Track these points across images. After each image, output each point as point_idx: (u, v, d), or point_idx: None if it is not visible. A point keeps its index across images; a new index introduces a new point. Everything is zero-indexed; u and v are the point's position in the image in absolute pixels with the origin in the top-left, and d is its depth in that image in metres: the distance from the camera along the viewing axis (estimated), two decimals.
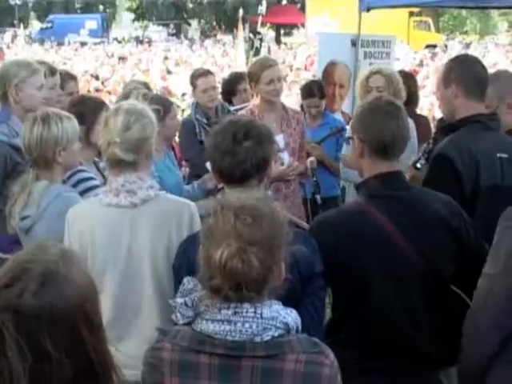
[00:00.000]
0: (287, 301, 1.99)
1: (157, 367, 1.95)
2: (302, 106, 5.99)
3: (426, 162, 3.98)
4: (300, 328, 1.98)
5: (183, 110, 10.63)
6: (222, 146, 2.52)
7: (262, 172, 2.56)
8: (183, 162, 5.46)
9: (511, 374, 2.46)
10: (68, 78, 5.01)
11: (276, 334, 1.88)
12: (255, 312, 1.87)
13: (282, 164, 4.68)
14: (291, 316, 1.94)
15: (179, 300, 1.99)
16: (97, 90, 13.45)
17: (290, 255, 1.97)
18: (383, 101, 2.87)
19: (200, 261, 1.93)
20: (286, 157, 4.76)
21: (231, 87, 6.28)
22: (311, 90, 5.75)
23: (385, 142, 2.76)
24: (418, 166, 3.94)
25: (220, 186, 3.73)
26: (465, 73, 3.49)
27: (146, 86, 5.34)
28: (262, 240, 1.87)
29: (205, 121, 5.39)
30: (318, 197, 4.56)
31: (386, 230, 2.71)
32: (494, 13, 44.42)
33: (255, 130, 2.55)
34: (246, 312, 1.87)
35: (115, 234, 2.84)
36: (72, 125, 3.31)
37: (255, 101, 5.01)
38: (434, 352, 2.79)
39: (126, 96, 4.40)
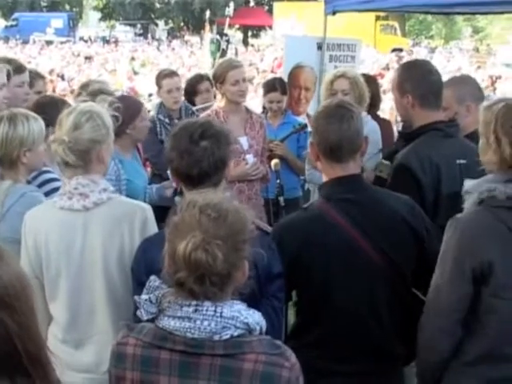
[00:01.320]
0: (245, 302, 2.01)
1: (121, 361, 1.98)
2: (263, 108, 6.03)
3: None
4: (264, 330, 2.00)
5: (149, 111, 10.57)
6: (180, 146, 2.55)
7: (220, 172, 2.57)
8: (147, 162, 5.46)
9: (465, 377, 2.53)
10: (37, 76, 4.99)
11: (235, 334, 1.90)
12: (215, 311, 1.89)
13: (247, 164, 4.70)
14: (253, 317, 1.96)
15: (144, 296, 2.02)
16: (63, 91, 13.30)
17: (252, 255, 1.99)
18: (333, 104, 2.89)
19: (165, 256, 1.95)
20: (250, 158, 4.78)
21: (193, 87, 6.29)
22: (273, 85, 5.83)
23: (331, 145, 2.78)
24: (378, 173, 3.97)
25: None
26: (419, 83, 3.52)
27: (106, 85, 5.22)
28: (227, 234, 1.89)
29: (167, 121, 5.41)
30: (281, 198, 4.58)
31: (347, 232, 2.73)
32: (459, 18, 44.99)
33: (212, 129, 2.57)
34: (207, 310, 1.89)
35: (68, 237, 2.83)
36: (38, 126, 3.29)
37: (220, 102, 5.02)
38: (398, 351, 2.84)
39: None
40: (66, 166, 2.86)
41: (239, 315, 1.92)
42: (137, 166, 4.40)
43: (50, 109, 3.78)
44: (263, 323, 1.99)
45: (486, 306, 2.50)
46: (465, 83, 4.06)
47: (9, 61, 4.65)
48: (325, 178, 2.90)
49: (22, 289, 1.55)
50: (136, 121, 4.15)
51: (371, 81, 5.62)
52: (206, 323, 1.88)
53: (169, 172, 4.23)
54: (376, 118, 5.31)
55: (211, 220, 1.90)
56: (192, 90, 6.26)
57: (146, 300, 2.00)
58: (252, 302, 2.07)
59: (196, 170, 2.52)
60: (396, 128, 6.70)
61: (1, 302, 1.49)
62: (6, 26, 49.21)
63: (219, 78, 4.82)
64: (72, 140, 2.80)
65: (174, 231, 1.94)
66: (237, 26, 49.17)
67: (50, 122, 3.45)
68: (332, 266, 2.72)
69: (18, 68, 4.43)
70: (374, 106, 5.52)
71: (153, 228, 2.86)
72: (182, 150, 2.53)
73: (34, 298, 1.59)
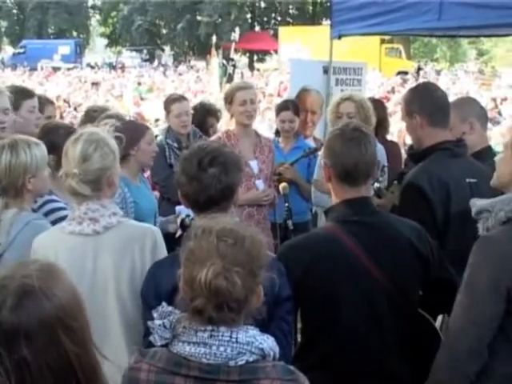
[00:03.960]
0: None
1: None
2: (276, 131, 6.03)
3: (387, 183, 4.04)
4: (277, 355, 1.98)
5: (156, 136, 10.61)
6: (189, 172, 2.57)
7: (228, 199, 2.59)
8: (156, 186, 5.47)
9: None
10: (46, 102, 5.08)
11: (251, 359, 1.89)
12: (231, 336, 1.88)
13: (257, 190, 4.72)
14: (268, 342, 1.95)
15: (157, 322, 2.00)
16: (75, 118, 13.32)
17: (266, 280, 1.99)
18: (350, 127, 2.90)
19: (181, 283, 1.94)
20: (260, 184, 4.80)
21: (201, 124, 6.23)
22: (285, 105, 5.84)
23: (347, 168, 2.79)
24: (375, 189, 3.97)
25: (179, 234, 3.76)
26: (426, 102, 3.54)
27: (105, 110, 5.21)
28: (245, 261, 1.90)
29: (175, 145, 5.40)
30: (289, 222, 4.57)
31: (355, 254, 2.73)
32: (464, 41, 45.12)
33: (222, 157, 2.58)
34: (222, 335, 1.88)
35: (79, 261, 2.84)
36: (41, 151, 3.28)
37: (231, 125, 5.06)
38: (402, 375, 2.82)
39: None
40: (78, 196, 2.88)
41: (254, 341, 1.91)
42: (144, 190, 4.40)
43: (52, 135, 3.80)
44: (276, 349, 1.98)
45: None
46: (466, 103, 4.11)
47: (17, 88, 4.70)
48: (334, 200, 2.90)
49: (77, 306, 1.60)
50: (140, 142, 4.15)
51: (379, 104, 5.63)
52: (221, 349, 1.87)
53: (177, 208, 4.26)
54: (383, 141, 5.31)
55: (229, 247, 1.91)
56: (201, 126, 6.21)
57: (159, 325, 1.98)
58: (260, 325, 2.07)
59: (203, 197, 2.55)
60: (404, 151, 6.70)
61: (59, 322, 1.53)
62: (14, 54, 49.74)
63: (227, 99, 4.90)
64: (82, 172, 2.83)
65: (191, 257, 1.93)
66: (241, 51, 49.42)
67: (53, 148, 3.46)
68: (338, 287, 2.73)
69: (28, 93, 4.48)
70: (383, 129, 5.53)
71: (163, 250, 2.89)
72: (191, 176, 2.56)
73: (87, 313, 1.64)
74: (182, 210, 4.06)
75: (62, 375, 1.53)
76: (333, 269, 2.72)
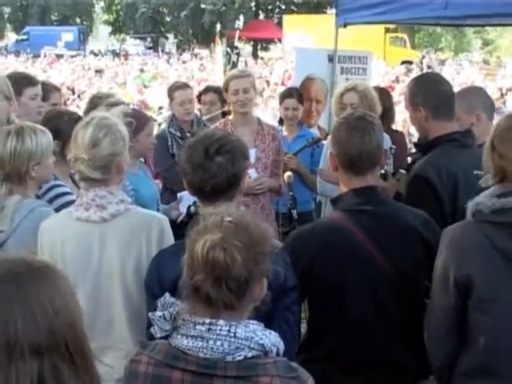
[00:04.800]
0: (258, 317, 1.98)
1: (133, 379, 1.94)
2: (280, 119, 6.02)
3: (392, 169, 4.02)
4: (281, 351, 1.95)
5: (160, 124, 10.59)
6: (194, 160, 2.53)
7: (234, 187, 2.56)
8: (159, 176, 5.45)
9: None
10: (52, 89, 5.05)
11: (249, 355, 1.85)
12: (229, 330, 1.85)
13: (249, 178, 4.70)
14: (270, 338, 1.91)
15: (158, 313, 1.98)
16: (78, 107, 13.32)
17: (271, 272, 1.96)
18: (355, 116, 2.89)
19: (184, 264, 1.92)
20: (253, 173, 4.77)
21: (197, 98, 6.32)
22: (289, 92, 5.84)
23: (352, 157, 2.79)
24: (383, 171, 3.96)
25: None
26: (430, 95, 3.51)
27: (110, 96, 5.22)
28: (247, 242, 1.87)
29: (178, 134, 5.39)
30: (294, 212, 4.56)
31: (362, 244, 2.73)
32: (469, 30, 44.96)
33: (229, 145, 2.55)
34: (220, 330, 1.85)
35: (85, 248, 2.83)
36: (46, 138, 3.27)
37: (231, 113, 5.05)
38: (409, 365, 2.83)
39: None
40: (86, 180, 2.86)
41: (254, 336, 1.87)
42: (143, 177, 4.38)
43: (56, 121, 3.78)
44: (280, 345, 1.95)
45: (473, 319, 2.52)
46: (473, 93, 4.05)
47: (21, 74, 4.68)
48: (342, 189, 2.89)
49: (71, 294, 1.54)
50: (140, 135, 4.10)
51: (384, 94, 5.61)
52: (218, 343, 1.84)
53: (178, 195, 4.25)
54: (389, 130, 5.29)
55: (232, 225, 1.89)
56: (197, 100, 6.29)
57: (160, 317, 1.96)
58: (264, 315, 2.05)
59: (209, 186, 2.51)
60: (409, 140, 6.67)
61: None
62: (17, 40, 49.64)
63: (224, 87, 4.95)
64: (92, 157, 2.80)
65: (193, 237, 1.91)
66: (246, 39, 49.29)
67: (56, 134, 3.45)
68: (345, 277, 2.72)
69: (31, 81, 4.45)
70: (389, 118, 5.51)
71: (169, 238, 2.87)
72: (197, 164, 2.52)
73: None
74: (184, 196, 4.05)
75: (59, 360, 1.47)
76: (339, 258, 2.72)
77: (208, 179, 2.50)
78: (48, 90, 4.76)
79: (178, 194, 4.25)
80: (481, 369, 2.50)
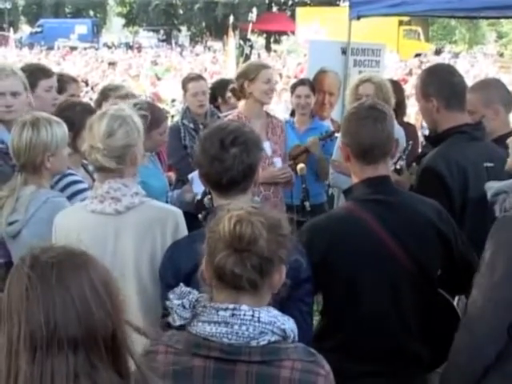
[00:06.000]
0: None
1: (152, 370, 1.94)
2: (291, 112, 6.01)
3: (406, 163, 4.00)
4: (296, 337, 1.96)
5: (172, 116, 10.61)
6: (210, 152, 2.51)
7: (249, 179, 2.56)
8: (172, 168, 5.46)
9: None
10: (70, 80, 5.09)
11: (272, 339, 1.87)
12: (253, 315, 1.86)
13: (275, 168, 4.70)
14: (288, 323, 1.93)
15: (176, 302, 1.97)
16: (90, 99, 13.37)
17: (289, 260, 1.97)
18: (365, 105, 2.87)
19: (202, 253, 1.93)
20: (278, 161, 4.78)
21: (217, 94, 6.29)
22: (301, 81, 5.85)
23: (363, 146, 2.77)
24: (398, 167, 3.95)
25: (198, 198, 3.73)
26: (442, 86, 3.49)
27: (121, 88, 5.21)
28: (269, 222, 1.88)
29: (191, 126, 5.39)
30: (307, 204, 4.56)
31: (376, 233, 2.72)
32: (483, 23, 44.66)
33: (243, 136, 2.54)
34: (244, 315, 1.85)
35: (100, 240, 2.82)
36: (61, 130, 3.29)
37: (241, 106, 4.99)
38: (422, 356, 2.82)
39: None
40: (101, 171, 2.87)
41: (276, 321, 1.88)
42: (153, 170, 4.39)
43: (69, 112, 3.79)
44: (296, 331, 1.96)
45: None
46: (493, 86, 3.99)
47: (35, 66, 4.70)
48: (354, 179, 2.89)
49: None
50: (153, 132, 4.08)
51: (396, 86, 5.59)
52: (244, 328, 1.84)
53: (189, 176, 4.24)
54: (401, 123, 5.28)
55: (253, 208, 1.92)
56: (217, 96, 6.26)
57: (178, 305, 1.95)
58: (279, 307, 2.05)
59: (226, 178, 2.50)
60: (421, 133, 6.65)
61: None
62: (31, 33, 49.78)
63: (250, 76, 4.70)
64: (107, 147, 2.80)
65: (216, 220, 1.93)
66: (258, 32, 49.19)
67: (69, 125, 3.46)
68: (359, 267, 2.71)
69: (46, 73, 4.46)
70: (401, 111, 5.49)
71: (184, 232, 2.87)
72: (213, 156, 2.50)
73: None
74: (195, 177, 4.02)
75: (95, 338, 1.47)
76: (354, 248, 2.71)
77: (224, 171, 2.49)
78: (65, 81, 4.81)
79: (189, 176, 4.24)
80: None
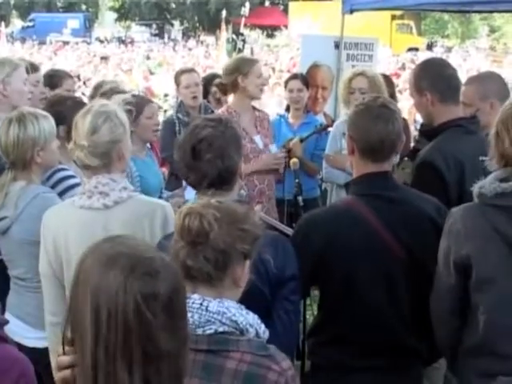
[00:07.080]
0: (257, 307, 1.99)
1: None
2: (286, 108, 6.00)
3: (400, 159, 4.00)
4: (264, 335, 1.96)
5: (165, 111, 10.58)
6: (184, 161, 2.53)
7: (229, 180, 2.54)
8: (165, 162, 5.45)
9: (465, 367, 2.61)
10: (66, 76, 5.14)
11: (220, 330, 1.86)
12: (201, 304, 1.87)
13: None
14: (246, 318, 1.91)
15: None
16: (83, 94, 13.32)
17: (258, 259, 1.97)
18: (377, 103, 2.87)
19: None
20: (274, 148, 4.82)
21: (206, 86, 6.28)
22: (294, 75, 5.89)
23: (372, 144, 2.78)
24: (401, 170, 3.94)
25: None
26: (436, 79, 3.49)
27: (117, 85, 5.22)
28: (228, 216, 1.90)
29: (186, 119, 5.36)
30: (299, 198, 4.54)
31: (375, 228, 2.74)
32: (475, 17, 44.68)
33: (218, 141, 2.50)
34: (193, 303, 1.86)
35: (88, 235, 2.77)
36: (49, 124, 3.26)
37: (230, 101, 4.97)
38: (420, 349, 2.84)
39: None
40: (86, 168, 2.86)
41: (227, 311, 1.87)
42: (150, 164, 4.38)
43: (59, 106, 3.77)
44: (260, 327, 1.94)
45: (474, 299, 2.54)
46: (489, 80, 3.97)
47: (21, 60, 4.67)
48: (355, 173, 2.90)
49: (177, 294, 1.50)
50: (140, 118, 4.11)
51: (388, 80, 5.59)
52: (189, 315, 1.81)
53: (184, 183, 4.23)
54: None
55: (217, 203, 1.95)
56: (208, 90, 6.25)
57: None
58: (264, 306, 2.03)
59: (204, 183, 2.50)
60: (414, 127, 6.65)
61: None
62: (23, 27, 49.54)
63: (243, 70, 4.63)
64: (91, 144, 2.78)
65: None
66: (251, 26, 49.14)
67: (61, 119, 3.44)
68: (356, 261, 2.73)
69: (33, 67, 4.45)
70: None
71: (173, 225, 2.84)
72: (188, 166, 2.52)
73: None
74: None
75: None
76: (352, 242, 2.72)
77: (202, 178, 2.49)
78: (61, 76, 4.85)
79: (184, 182, 4.24)
80: (482, 348, 2.52)
